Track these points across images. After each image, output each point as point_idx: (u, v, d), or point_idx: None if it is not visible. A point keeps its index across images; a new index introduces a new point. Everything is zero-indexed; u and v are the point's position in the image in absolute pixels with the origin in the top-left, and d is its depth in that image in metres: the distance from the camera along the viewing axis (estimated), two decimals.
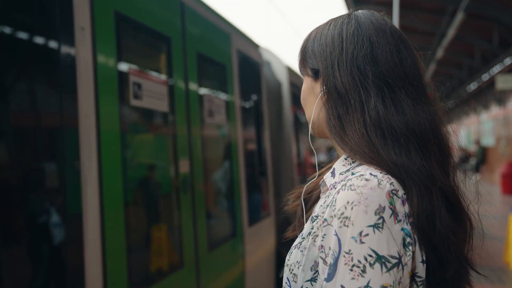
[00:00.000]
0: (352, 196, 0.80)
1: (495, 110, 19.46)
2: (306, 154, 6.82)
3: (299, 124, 5.88)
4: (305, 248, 0.91)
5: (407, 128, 0.88)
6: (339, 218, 0.80)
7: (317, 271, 0.87)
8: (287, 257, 0.97)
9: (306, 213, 1.09)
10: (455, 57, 16.87)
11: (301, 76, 1.08)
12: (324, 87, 0.96)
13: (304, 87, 1.05)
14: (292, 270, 0.93)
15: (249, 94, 4.27)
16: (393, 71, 0.92)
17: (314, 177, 1.14)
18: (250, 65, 4.31)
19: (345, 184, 0.84)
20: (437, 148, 0.90)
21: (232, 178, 3.66)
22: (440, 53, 13.54)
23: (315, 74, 1.00)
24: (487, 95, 20.11)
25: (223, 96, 3.62)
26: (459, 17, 9.88)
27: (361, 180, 0.82)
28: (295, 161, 5.60)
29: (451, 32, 11.00)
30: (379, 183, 0.81)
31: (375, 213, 0.78)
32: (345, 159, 0.96)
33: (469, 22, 11.09)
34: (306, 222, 1.05)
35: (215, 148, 3.61)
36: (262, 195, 4.49)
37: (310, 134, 1.05)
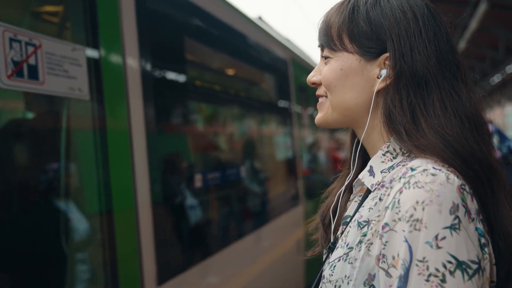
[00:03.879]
0: (421, 194, 0.69)
1: None
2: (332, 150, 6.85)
3: None
4: (356, 259, 0.79)
5: (478, 118, 0.83)
6: (407, 221, 0.69)
7: (372, 285, 0.77)
8: (329, 272, 0.85)
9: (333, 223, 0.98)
10: (478, 49, 16.47)
11: (324, 51, 0.93)
12: (393, 70, 0.83)
13: (339, 65, 0.88)
14: (339, 286, 0.81)
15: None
16: (462, 60, 0.87)
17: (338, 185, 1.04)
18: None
19: (408, 182, 0.72)
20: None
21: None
22: (462, 45, 13.24)
23: (370, 53, 0.85)
24: None
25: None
26: (482, 7, 9.64)
27: (427, 175, 0.71)
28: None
29: (473, 24, 10.74)
30: (448, 177, 0.71)
31: (450, 212, 0.68)
32: (384, 154, 0.86)
33: (492, 13, 10.79)
34: (333, 233, 0.96)
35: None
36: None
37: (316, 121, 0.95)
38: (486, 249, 0.72)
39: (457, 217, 0.68)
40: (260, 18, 5.36)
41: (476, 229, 0.71)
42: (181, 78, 2.59)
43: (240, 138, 3.77)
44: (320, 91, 0.93)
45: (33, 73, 1.45)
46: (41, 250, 1.63)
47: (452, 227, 0.68)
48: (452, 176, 0.72)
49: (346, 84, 0.87)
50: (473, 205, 0.72)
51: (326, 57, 0.91)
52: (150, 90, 2.09)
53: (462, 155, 0.76)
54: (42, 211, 1.65)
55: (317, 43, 0.95)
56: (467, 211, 0.70)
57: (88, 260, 1.80)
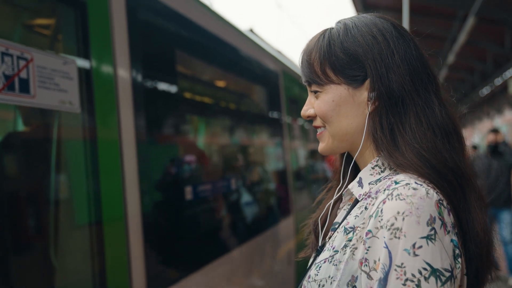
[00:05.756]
0: (402, 206, 0.76)
1: (508, 114, 19.19)
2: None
3: None
4: (340, 261, 0.85)
5: (455, 131, 0.88)
6: (388, 229, 0.76)
7: (354, 286, 0.83)
8: (314, 272, 0.90)
9: (322, 230, 1.04)
10: (467, 62, 16.69)
11: (312, 86, 0.97)
12: (374, 93, 0.89)
13: (330, 97, 0.93)
14: (323, 286, 0.87)
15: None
16: (433, 71, 0.91)
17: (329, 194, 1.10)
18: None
19: (391, 194, 0.79)
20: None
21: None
22: (451, 58, 13.40)
23: (356, 80, 0.91)
24: (500, 99, 19.85)
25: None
26: (470, 21, 9.78)
27: (409, 189, 0.78)
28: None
29: (462, 37, 10.88)
30: (427, 192, 0.78)
31: (427, 224, 0.75)
32: (373, 168, 0.92)
33: (481, 27, 10.97)
34: (322, 238, 1.01)
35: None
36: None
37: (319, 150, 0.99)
38: (459, 260, 0.78)
39: (433, 228, 0.75)
40: (251, 30, 5.40)
41: (452, 240, 0.77)
42: (172, 90, 2.59)
43: (232, 149, 3.76)
44: (317, 122, 0.98)
45: (25, 86, 1.45)
46: (28, 256, 1.62)
47: (428, 237, 0.74)
48: (431, 192, 0.78)
49: (340, 113, 0.93)
50: (449, 219, 0.79)
51: (315, 91, 0.96)
52: (141, 104, 2.08)
53: (436, 167, 0.83)
54: (32, 219, 1.65)
55: (303, 79, 0.99)
56: (443, 224, 0.77)
57: (77, 271, 1.79)
